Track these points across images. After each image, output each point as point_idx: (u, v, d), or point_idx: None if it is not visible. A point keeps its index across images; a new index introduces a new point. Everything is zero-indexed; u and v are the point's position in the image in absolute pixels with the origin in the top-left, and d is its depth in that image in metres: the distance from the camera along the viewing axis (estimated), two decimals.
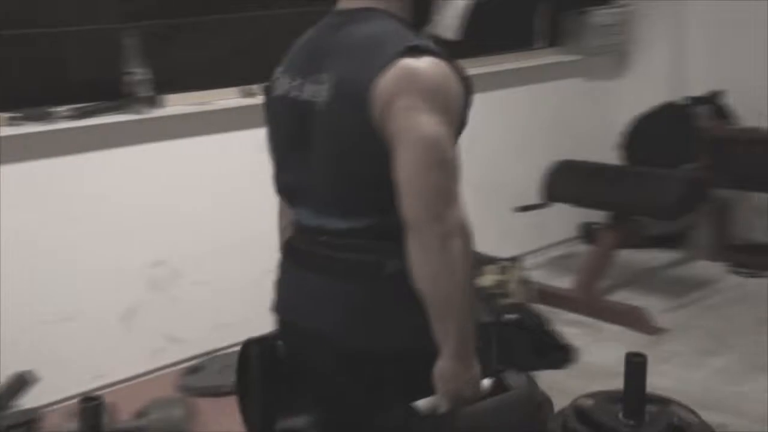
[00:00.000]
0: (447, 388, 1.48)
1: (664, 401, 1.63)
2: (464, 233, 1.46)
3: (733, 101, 4.47)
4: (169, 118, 3.34)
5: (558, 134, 4.69)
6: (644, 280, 4.34)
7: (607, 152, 4.57)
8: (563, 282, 4.15)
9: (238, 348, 1.71)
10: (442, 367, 1.47)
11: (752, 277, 4.21)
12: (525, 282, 3.84)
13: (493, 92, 4.35)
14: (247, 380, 1.69)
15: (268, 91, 1.69)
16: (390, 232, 1.47)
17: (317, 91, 1.51)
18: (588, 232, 4.80)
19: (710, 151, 4.28)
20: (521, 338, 3.30)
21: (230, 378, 1.76)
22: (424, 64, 1.43)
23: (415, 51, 1.43)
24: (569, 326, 3.71)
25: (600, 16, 4.68)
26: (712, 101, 4.42)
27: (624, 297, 4.09)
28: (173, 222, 3.39)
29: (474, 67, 3.42)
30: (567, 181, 4.18)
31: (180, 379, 3.27)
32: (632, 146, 4.55)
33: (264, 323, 1.73)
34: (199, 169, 3.45)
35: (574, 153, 4.38)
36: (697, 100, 4.45)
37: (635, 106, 4.67)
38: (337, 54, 1.51)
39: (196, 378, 3.27)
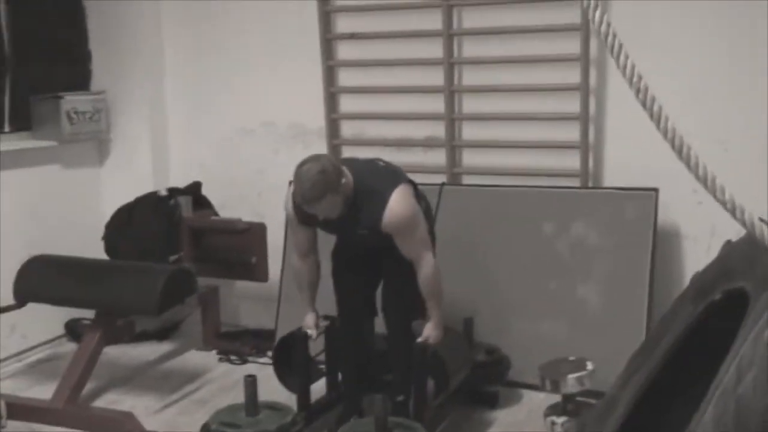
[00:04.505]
0: (437, 334, 3.21)
1: None
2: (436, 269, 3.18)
3: (209, 192, 4.56)
4: None
5: (36, 226, 4.34)
6: (136, 377, 4.16)
7: (90, 245, 4.34)
8: (47, 389, 3.72)
9: None
10: (435, 325, 3.21)
11: (241, 363, 4.26)
12: None
13: None
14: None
15: None
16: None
17: None
18: (75, 330, 4.47)
19: (192, 241, 4.31)
20: None
21: None
22: None
23: None
24: None
25: (74, 102, 4.44)
26: (191, 192, 4.45)
27: (115, 399, 3.87)
28: None
29: None
30: (42, 279, 3.83)
31: None
32: (116, 238, 4.37)
33: None
34: None
35: (54, 246, 4.08)
36: (177, 191, 4.44)
37: (118, 196, 4.53)
38: None
39: None
